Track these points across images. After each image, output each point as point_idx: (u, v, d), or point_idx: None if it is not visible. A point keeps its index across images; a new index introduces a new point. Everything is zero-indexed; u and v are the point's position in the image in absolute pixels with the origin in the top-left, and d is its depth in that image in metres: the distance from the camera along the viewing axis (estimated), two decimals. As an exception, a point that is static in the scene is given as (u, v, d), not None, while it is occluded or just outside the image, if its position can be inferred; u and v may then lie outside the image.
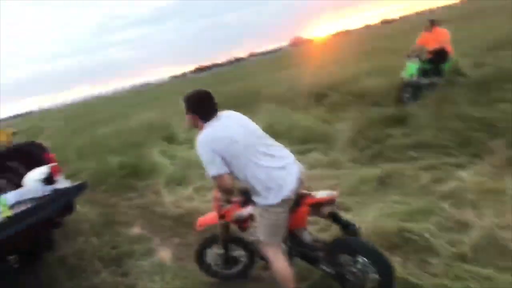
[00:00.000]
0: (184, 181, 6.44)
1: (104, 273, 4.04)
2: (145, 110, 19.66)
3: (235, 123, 2.66)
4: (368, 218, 3.96)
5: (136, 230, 5.14)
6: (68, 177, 4.62)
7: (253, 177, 2.59)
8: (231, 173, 2.60)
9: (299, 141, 6.77)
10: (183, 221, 5.01)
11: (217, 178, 2.56)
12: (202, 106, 2.65)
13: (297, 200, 2.77)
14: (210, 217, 3.21)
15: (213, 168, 2.54)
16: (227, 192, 2.68)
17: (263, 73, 26.44)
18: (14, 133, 16.57)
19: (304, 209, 2.82)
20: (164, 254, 4.31)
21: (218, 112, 2.68)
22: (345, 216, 4.05)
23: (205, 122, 2.63)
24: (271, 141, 2.76)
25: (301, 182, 2.69)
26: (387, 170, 5.01)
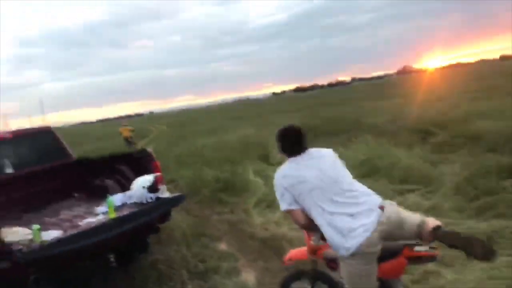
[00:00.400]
0: (274, 204, 6.47)
1: (190, 286, 4.20)
2: (244, 125, 20.29)
3: (313, 163, 2.60)
4: (470, 277, 3.63)
5: (223, 246, 5.27)
6: (165, 183, 4.93)
7: (317, 222, 2.54)
8: (303, 210, 2.58)
9: (398, 181, 6.46)
10: (270, 245, 5.03)
11: (289, 213, 2.63)
12: (288, 142, 2.69)
13: (395, 250, 2.63)
14: (300, 252, 3.18)
15: (283, 204, 2.61)
16: (302, 227, 2.71)
17: (365, 100, 25.80)
18: (132, 131, 19.27)
19: (401, 260, 2.66)
20: (248, 276, 4.36)
21: (306, 149, 2.67)
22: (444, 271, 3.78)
23: (289, 157, 2.68)
24: (351, 186, 2.59)
25: (385, 232, 2.43)
26: (497, 226, 4.55)
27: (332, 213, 2.48)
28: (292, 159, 2.65)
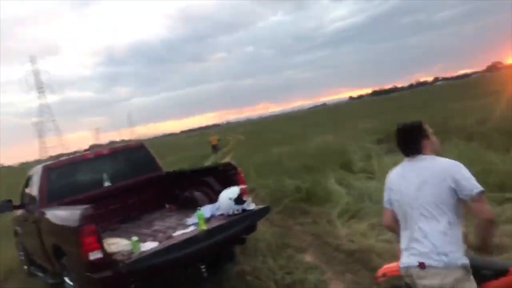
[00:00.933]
0: (359, 214, 6.33)
1: (278, 298, 4.24)
2: (323, 132, 20.11)
3: (411, 172, 2.38)
4: None
5: (308, 258, 5.25)
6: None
7: (401, 232, 2.51)
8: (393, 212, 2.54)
9: (495, 188, 5.99)
10: (357, 257, 4.91)
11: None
12: (399, 141, 2.51)
13: (500, 269, 2.45)
14: (394, 268, 3.06)
15: (384, 202, 2.60)
16: (386, 229, 2.76)
17: (451, 100, 24.36)
18: (218, 140, 24.60)
19: (507, 281, 2.47)
20: (336, 289, 4.30)
21: (418, 151, 2.39)
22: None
23: (405, 157, 2.48)
24: (429, 212, 2.26)
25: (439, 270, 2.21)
26: None
27: (404, 229, 2.45)
28: (405, 161, 2.47)
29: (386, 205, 2.57)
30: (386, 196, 2.55)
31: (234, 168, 4.84)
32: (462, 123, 12.56)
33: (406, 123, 2.50)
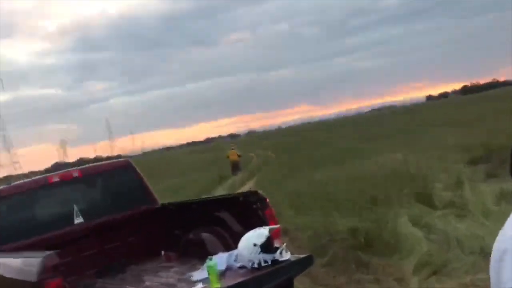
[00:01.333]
0: (445, 269, 6.23)
1: None
2: (389, 147, 19.93)
3: None
4: None
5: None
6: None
7: None
8: None
9: None
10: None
11: None
12: None
13: None
14: None
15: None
16: None
17: None
18: (239, 156, 23.50)
19: None
20: None
21: None
22: None
23: None
24: None
25: None
26: None
27: None
28: None
29: None
30: None
31: (262, 199, 4.86)
32: None
33: None
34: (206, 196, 5.98)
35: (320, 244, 7.88)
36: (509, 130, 15.86)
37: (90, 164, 7.04)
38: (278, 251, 4.40)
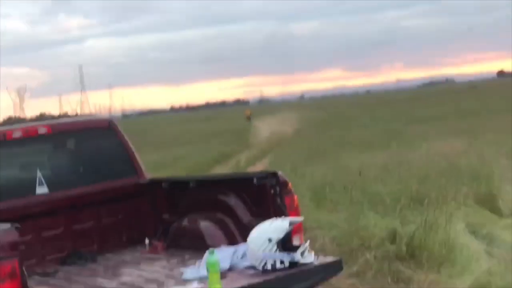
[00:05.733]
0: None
1: None
2: (442, 132, 19.86)
3: None
4: None
5: None
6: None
7: None
8: None
9: None
10: None
11: None
12: None
13: None
14: None
15: None
16: None
17: None
18: (251, 114, 29.56)
19: None
20: None
21: None
22: None
23: None
24: None
25: None
26: None
27: None
28: None
29: None
30: None
31: (283, 182, 4.83)
32: None
33: None
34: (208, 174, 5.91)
35: (348, 248, 7.88)
36: None
37: (63, 120, 7.02)
38: (299, 251, 4.39)
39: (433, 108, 38.92)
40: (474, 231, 8.02)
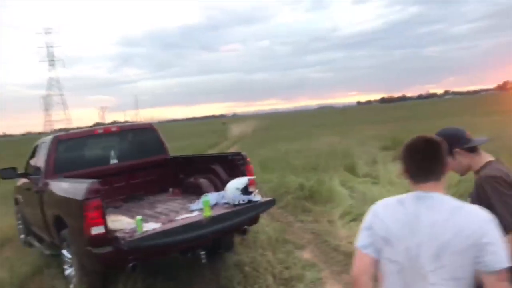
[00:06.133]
0: (361, 217, 6.28)
1: (274, 291, 4.23)
2: (328, 133, 20.06)
3: (427, 227, 1.58)
4: None
5: (307, 255, 5.24)
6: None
7: None
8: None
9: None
10: (355, 260, 4.91)
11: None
12: (411, 163, 1.69)
13: None
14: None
15: (360, 244, 1.74)
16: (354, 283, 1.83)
17: (460, 115, 24.30)
18: (224, 123, 27.47)
19: None
20: (333, 289, 4.30)
21: (437, 176, 1.65)
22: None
23: (412, 184, 1.69)
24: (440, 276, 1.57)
25: None
26: None
27: None
28: (410, 197, 1.66)
29: (366, 249, 1.69)
30: (368, 238, 1.70)
31: (244, 158, 4.81)
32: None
33: (425, 139, 1.70)
34: (204, 153, 5.92)
35: (278, 193, 7.90)
36: (410, 129, 16.06)
37: (125, 124, 6.90)
38: (253, 194, 4.39)
39: (323, 120, 39.21)
40: (343, 184, 8.11)
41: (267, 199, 4.56)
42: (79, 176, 4.95)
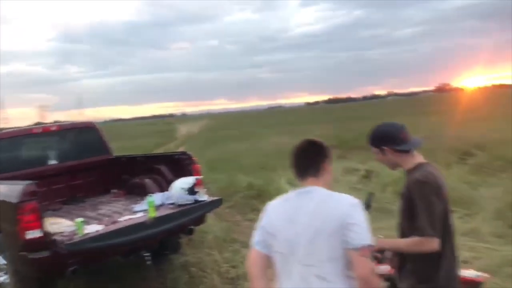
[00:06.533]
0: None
1: (221, 290, 4.22)
2: (277, 133, 20.28)
3: (303, 216, 1.75)
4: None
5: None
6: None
7: None
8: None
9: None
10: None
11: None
12: (294, 162, 1.87)
13: None
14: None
15: (254, 241, 1.92)
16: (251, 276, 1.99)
17: (401, 115, 25.43)
18: (174, 122, 24.20)
19: None
20: (279, 286, 4.35)
21: (317, 173, 1.82)
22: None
23: (299, 181, 1.87)
24: (324, 272, 1.72)
25: None
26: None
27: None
28: (293, 194, 1.85)
29: (257, 246, 1.87)
30: (259, 236, 1.87)
31: (190, 157, 4.75)
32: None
33: (307, 140, 1.90)
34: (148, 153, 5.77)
35: (227, 193, 7.89)
36: (355, 128, 16.62)
37: (64, 122, 6.62)
38: (199, 194, 4.34)
39: (273, 120, 39.66)
40: (290, 183, 8.23)
41: (214, 198, 4.53)
42: (15, 177, 4.68)
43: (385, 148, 2.20)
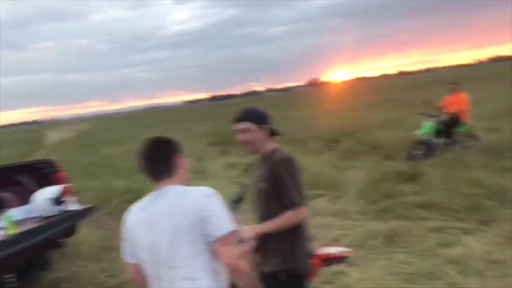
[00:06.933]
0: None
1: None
2: (155, 133, 19.77)
3: (160, 219, 1.71)
4: (371, 275, 3.94)
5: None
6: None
7: None
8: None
9: (307, 186, 6.75)
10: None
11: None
12: (144, 165, 1.79)
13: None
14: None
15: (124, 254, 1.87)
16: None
17: (277, 109, 26.78)
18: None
19: (313, 263, 2.80)
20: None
21: (169, 173, 1.78)
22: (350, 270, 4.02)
23: (155, 184, 1.81)
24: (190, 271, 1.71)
25: None
26: (394, 226, 4.99)
27: None
28: (148, 199, 1.81)
29: (128, 258, 1.83)
30: (127, 248, 1.82)
31: (53, 165, 4.41)
32: (284, 130, 13.89)
33: (154, 137, 1.85)
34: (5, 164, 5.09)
35: (103, 200, 7.50)
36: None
37: None
38: (65, 203, 4.06)
39: (151, 120, 38.68)
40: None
41: (85, 206, 4.28)
42: None
43: (264, 126, 2.29)
